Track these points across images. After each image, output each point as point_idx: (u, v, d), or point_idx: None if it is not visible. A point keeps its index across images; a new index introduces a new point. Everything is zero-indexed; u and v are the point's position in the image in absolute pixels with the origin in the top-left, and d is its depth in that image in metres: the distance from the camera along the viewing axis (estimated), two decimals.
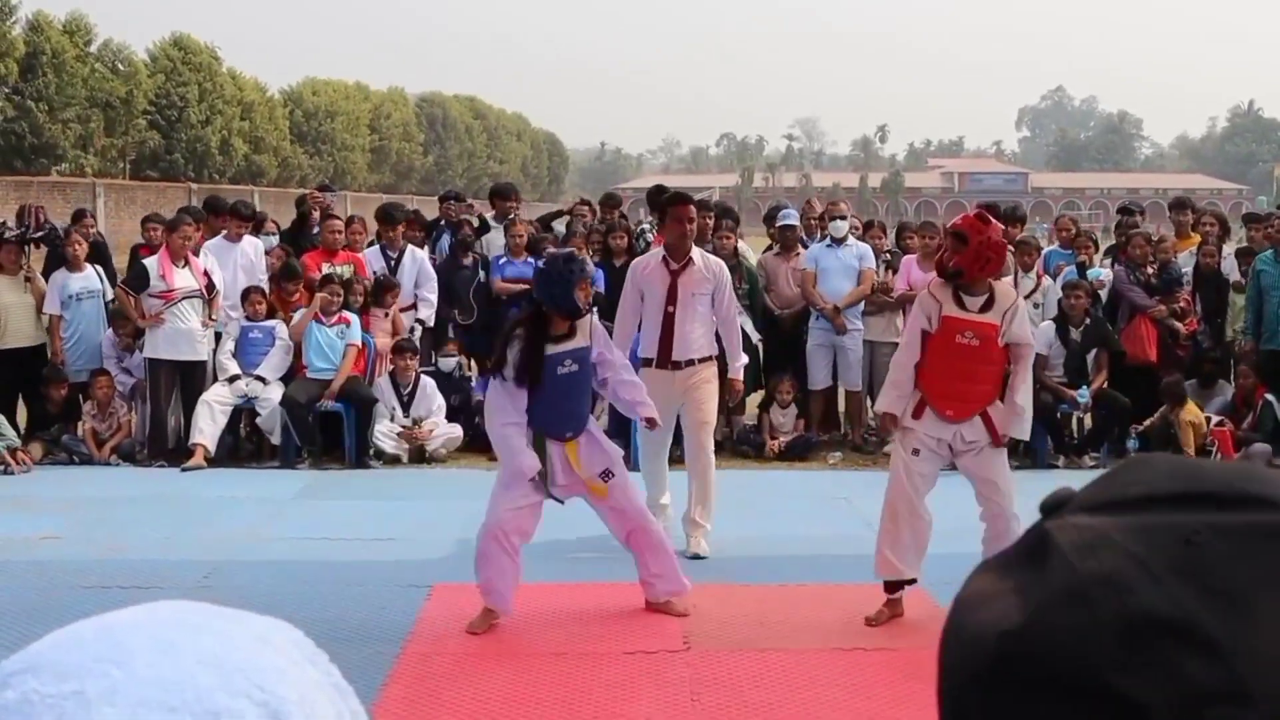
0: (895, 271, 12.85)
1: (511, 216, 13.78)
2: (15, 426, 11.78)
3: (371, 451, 11.74)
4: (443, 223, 14.25)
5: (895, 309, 12.67)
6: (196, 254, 11.90)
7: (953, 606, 0.83)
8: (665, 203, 9.13)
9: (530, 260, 13.17)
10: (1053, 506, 0.81)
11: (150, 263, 11.91)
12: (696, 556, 8.49)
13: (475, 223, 13.97)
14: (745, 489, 10.93)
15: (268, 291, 12.20)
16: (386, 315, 12.41)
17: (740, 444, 12.43)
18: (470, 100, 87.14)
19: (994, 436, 7.31)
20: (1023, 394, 7.37)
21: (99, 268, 12.67)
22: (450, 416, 12.17)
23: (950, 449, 7.38)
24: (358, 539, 9.03)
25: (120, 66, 52.16)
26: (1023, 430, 7.56)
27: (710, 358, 8.83)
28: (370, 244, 13.31)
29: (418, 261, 12.90)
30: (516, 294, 13.02)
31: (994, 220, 7.44)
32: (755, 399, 12.83)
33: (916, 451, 7.38)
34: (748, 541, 9.08)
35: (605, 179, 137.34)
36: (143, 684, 0.82)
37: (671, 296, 8.70)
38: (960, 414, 7.25)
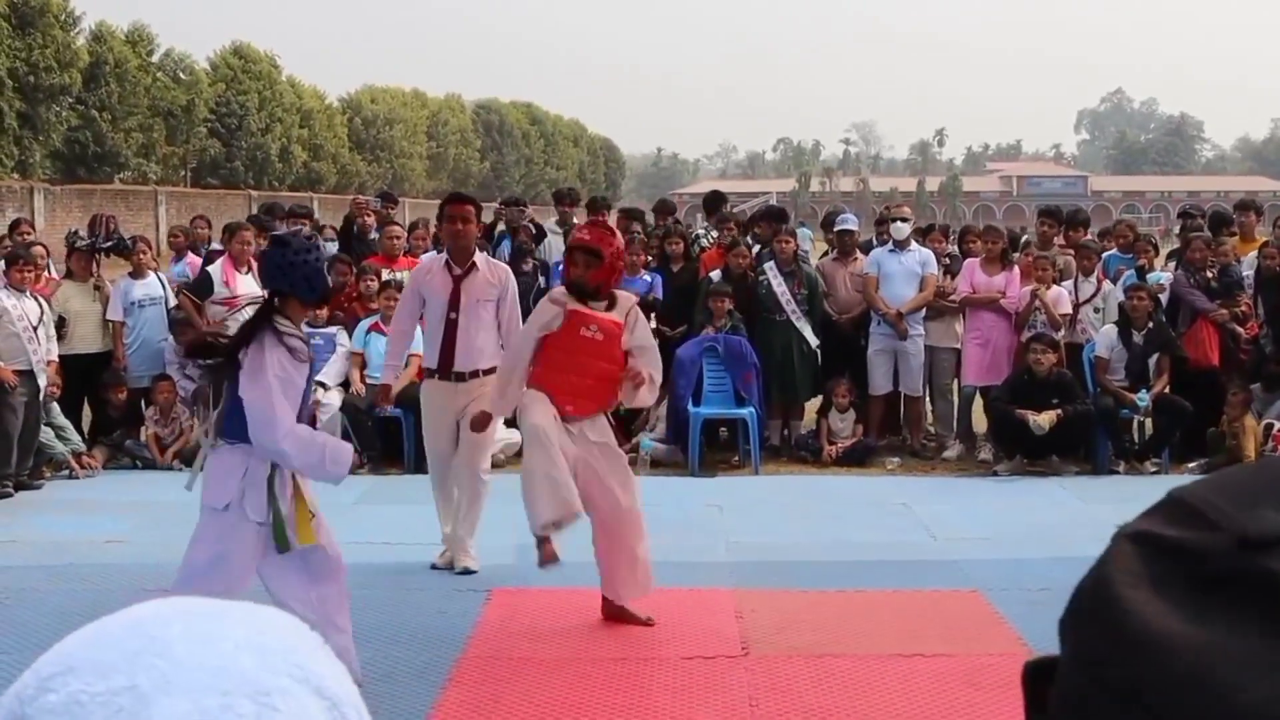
0: (955, 276, 12.81)
1: (573, 222, 13.80)
2: (80, 431, 11.93)
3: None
4: (502, 228, 14.29)
5: (956, 314, 12.62)
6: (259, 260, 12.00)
7: (1152, 648, 0.69)
8: (442, 203, 8.78)
9: None
10: (1267, 541, 0.68)
11: (214, 269, 12.03)
12: (467, 571, 8.28)
13: (533, 229, 14.01)
14: (803, 494, 10.92)
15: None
16: None
17: (798, 449, 12.41)
18: (527, 106, 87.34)
19: (618, 438, 7.41)
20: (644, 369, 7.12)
21: (162, 275, 12.81)
22: (508, 422, 12.18)
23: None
24: (417, 543, 9.07)
25: (182, 75, 52.68)
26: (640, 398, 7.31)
27: (493, 369, 8.14)
28: (428, 251, 13.37)
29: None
30: None
31: (613, 227, 7.60)
32: (814, 405, 12.82)
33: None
34: (805, 547, 9.08)
35: (661, 184, 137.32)
36: (191, 672, 0.84)
37: (454, 302, 8.24)
38: (580, 409, 7.10)
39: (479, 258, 8.41)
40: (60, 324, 11.89)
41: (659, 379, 7.29)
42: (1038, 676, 0.79)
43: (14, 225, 14.08)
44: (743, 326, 12.17)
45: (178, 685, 0.83)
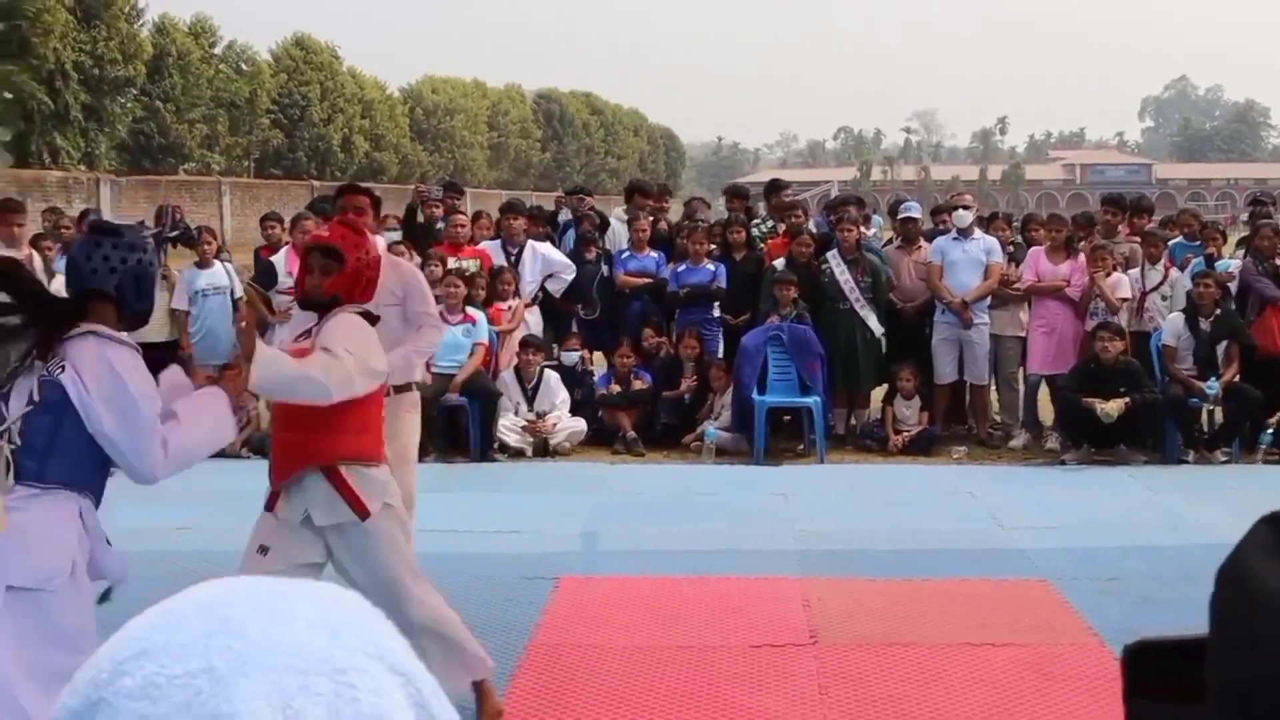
0: (1019, 264, 12.73)
1: (639, 213, 13.79)
2: None
3: (496, 445, 11.83)
4: (567, 218, 14.33)
5: (1021, 302, 12.54)
6: None
7: None
8: (335, 194, 7.66)
9: (652, 254, 13.21)
10: None
11: (278, 259, 12.12)
12: None
13: (596, 218, 14.04)
14: (869, 482, 10.89)
15: None
16: (509, 307, 12.49)
17: (863, 438, 12.37)
18: (587, 96, 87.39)
19: (355, 505, 5.26)
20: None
21: (229, 265, 12.91)
22: (573, 410, 12.24)
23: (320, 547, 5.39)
24: (484, 531, 9.11)
25: (244, 67, 53.07)
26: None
27: (408, 386, 7.25)
28: (491, 239, 13.42)
29: (538, 256, 12.97)
30: (639, 288, 13.07)
31: (365, 229, 5.90)
32: (879, 393, 12.78)
33: (264, 550, 5.33)
34: (872, 535, 9.04)
35: (722, 174, 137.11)
36: (267, 652, 0.84)
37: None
38: (281, 474, 5.34)
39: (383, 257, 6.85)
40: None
41: (320, 377, 4.97)
42: (1137, 659, 0.84)
43: (82, 216, 14.24)
44: (807, 315, 12.14)
45: (254, 666, 0.83)
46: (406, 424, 7.14)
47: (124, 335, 4.57)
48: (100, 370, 4.38)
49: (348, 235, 5.50)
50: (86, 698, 0.84)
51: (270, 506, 5.39)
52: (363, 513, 5.24)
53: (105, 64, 42.04)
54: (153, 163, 46.86)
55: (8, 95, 37.81)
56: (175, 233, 12.68)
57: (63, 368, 4.39)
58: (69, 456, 4.43)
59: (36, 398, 4.41)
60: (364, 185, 7.80)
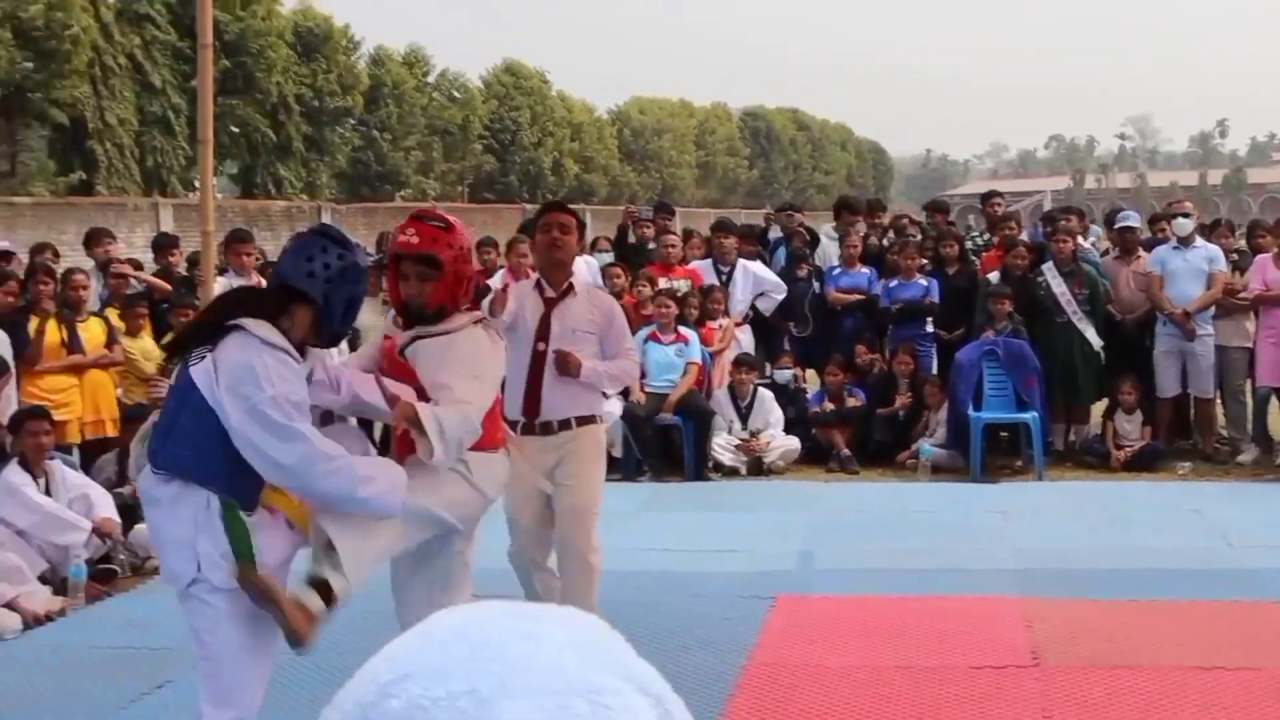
0: (1244, 272, 12.32)
1: (849, 229, 13.73)
2: (373, 440, 12.35)
3: (710, 464, 11.88)
4: (777, 235, 14.34)
5: (1247, 312, 12.14)
6: (534, 271, 12.28)
7: None
8: (537, 213, 7.04)
9: (864, 270, 13.13)
10: None
11: (494, 281, 12.35)
12: None
13: (806, 235, 14.02)
14: (1090, 500, 10.65)
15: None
16: (721, 326, 12.55)
17: (1084, 453, 12.11)
18: (793, 112, 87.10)
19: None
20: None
21: None
22: (787, 429, 12.22)
23: None
24: (699, 550, 9.15)
25: (456, 94, 54.12)
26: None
27: (593, 417, 6.69)
28: (702, 258, 13.49)
29: (749, 275, 12.99)
30: (851, 304, 13.01)
31: (454, 222, 5.30)
32: (1099, 408, 12.50)
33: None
34: (1094, 554, 8.85)
35: (931, 186, 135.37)
36: (525, 674, 0.87)
37: (544, 331, 6.53)
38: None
39: (580, 285, 6.79)
40: (354, 337, 12.36)
41: (448, 433, 4.72)
42: None
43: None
44: (1023, 329, 11.94)
45: (515, 687, 0.87)
46: (589, 445, 6.64)
47: (283, 341, 4.30)
48: (239, 370, 4.20)
49: (438, 236, 5.04)
50: (354, 719, 0.89)
51: None
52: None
53: (325, 96, 43.34)
54: (370, 190, 48.11)
55: (234, 129, 39.26)
56: None
57: (203, 358, 4.26)
58: (188, 446, 4.26)
59: (173, 381, 4.43)
60: (567, 204, 7.59)
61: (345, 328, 4.54)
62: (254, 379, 4.19)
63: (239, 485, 4.33)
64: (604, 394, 7.36)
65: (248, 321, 4.28)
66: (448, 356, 4.98)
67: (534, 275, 6.95)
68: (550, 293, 6.58)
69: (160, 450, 4.31)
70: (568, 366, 6.39)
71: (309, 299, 4.37)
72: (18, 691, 6.68)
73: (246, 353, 4.23)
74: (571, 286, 6.61)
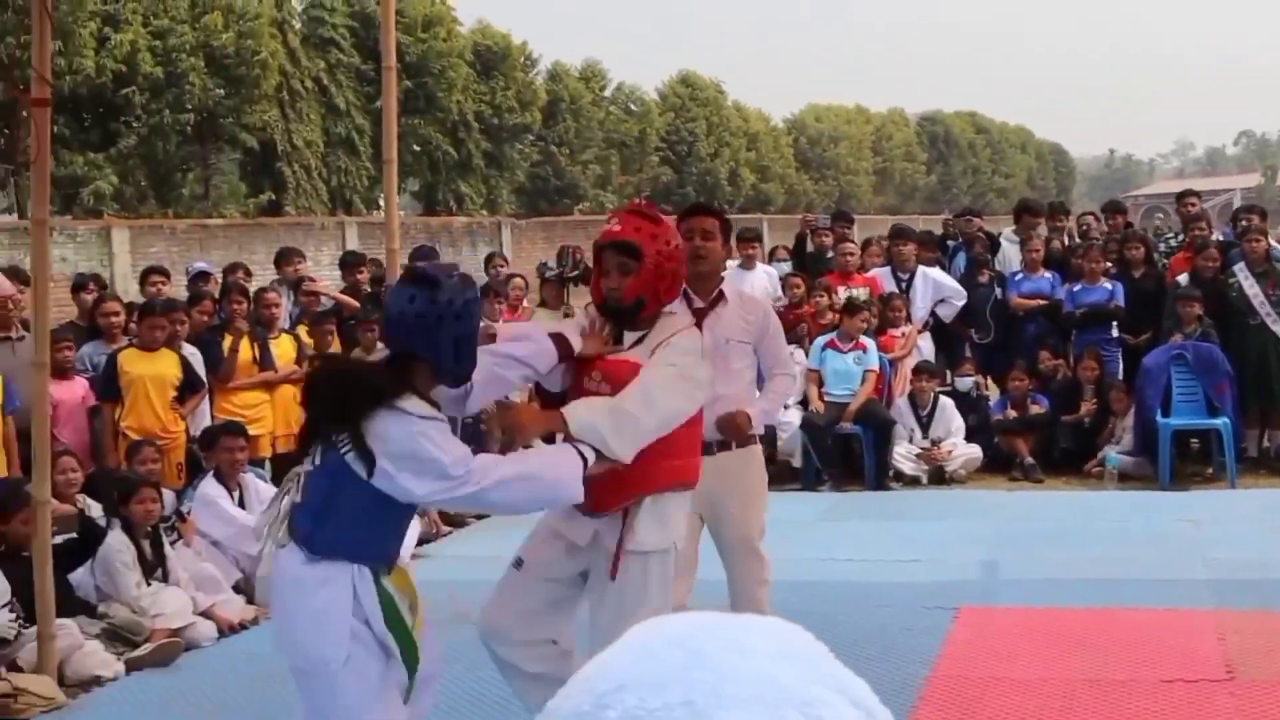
0: None
1: (1031, 233, 13.52)
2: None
3: (891, 473, 11.78)
4: (957, 240, 14.17)
5: None
6: None
7: None
8: (680, 216, 6.27)
9: (1047, 275, 12.90)
10: None
11: None
12: None
13: (986, 240, 13.83)
14: None
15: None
16: (902, 334, 12.44)
17: (1278, 459, 11.75)
18: (971, 115, 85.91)
19: (611, 559, 4.80)
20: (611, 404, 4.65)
21: None
22: (969, 437, 12.06)
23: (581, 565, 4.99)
24: (881, 561, 9.08)
25: (633, 107, 54.45)
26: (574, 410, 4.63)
27: (753, 437, 6.23)
28: (880, 266, 13.39)
29: (929, 281, 12.86)
30: (1034, 309, 12.79)
31: (666, 221, 5.05)
32: None
33: (519, 563, 5.05)
34: None
35: (1115, 187, 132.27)
36: (739, 685, 0.88)
37: None
38: (594, 504, 4.69)
39: (731, 290, 6.27)
40: None
41: (622, 444, 4.52)
42: None
43: (489, 259, 14.96)
44: (1213, 332, 11.62)
45: (729, 698, 0.87)
46: (752, 470, 6.24)
47: (430, 410, 4.12)
48: (407, 445, 4.06)
49: (642, 225, 4.80)
50: None
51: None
52: (613, 572, 4.77)
53: (504, 113, 43.93)
54: (549, 204, 48.63)
55: (416, 148, 40.02)
56: (576, 272, 13.20)
57: (347, 443, 4.06)
58: (349, 527, 4.12)
59: (318, 460, 4.19)
60: (714, 206, 7.00)
61: (464, 366, 4.23)
62: (426, 451, 4.08)
63: (387, 556, 4.35)
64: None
65: (394, 399, 4.09)
66: (668, 360, 4.74)
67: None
68: (698, 303, 5.98)
69: (316, 534, 4.14)
70: (739, 430, 5.90)
71: (418, 354, 4.15)
72: (213, 698, 6.89)
73: (405, 426, 4.07)
74: (722, 294, 6.08)
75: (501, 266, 14.33)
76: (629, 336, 4.87)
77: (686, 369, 4.76)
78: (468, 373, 4.24)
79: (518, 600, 4.97)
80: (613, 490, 4.67)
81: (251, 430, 9.91)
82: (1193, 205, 14.03)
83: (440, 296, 4.05)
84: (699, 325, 5.48)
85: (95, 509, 8.66)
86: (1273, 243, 12.75)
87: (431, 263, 4.59)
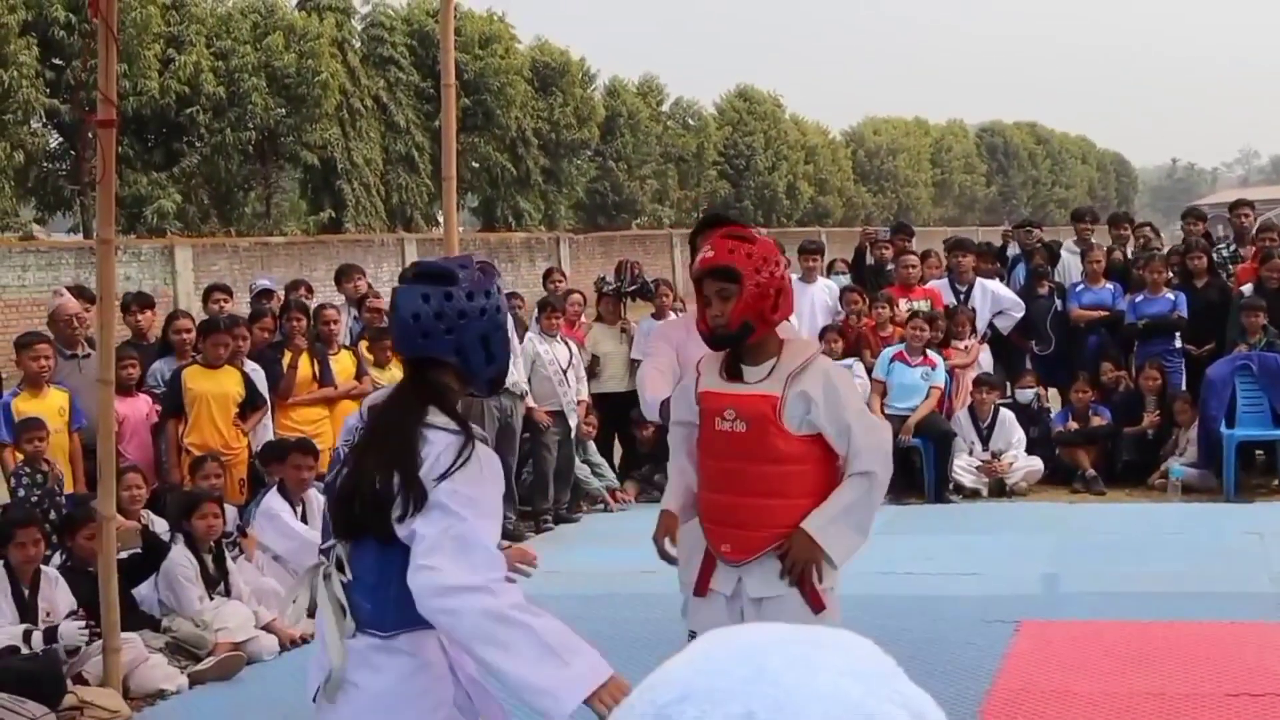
0: None
1: (1091, 241, 13.42)
2: (613, 466, 12.53)
3: (951, 486, 11.71)
4: (1016, 252, 14.09)
5: None
6: None
7: None
8: (694, 230, 5.57)
9: (1108, 286, 12.80)
10: None
11: None
12: None
13: (1046, 251, 13.75)
14: None
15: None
16: (965, 348, 12.38)
17: None
18: (1031, 126, 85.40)
19: (807, 591, 4.53)
20: (846, 502, 4.48)
21: (683, 315, 13.29)
22: (1029, 449, 11.98)
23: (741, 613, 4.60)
24: (940, 573, 9.03)
25: (690, 122, 54.51)
26: (838, 545, 4.48)
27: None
28: (939, 278, 13.34)
29: (988, 293, 12.80)
30: (1095, 320, 12.70)
31: (756, 233, 4.76)
32: None
33: (692, 635, 4.05)
34: None
35: (1178, 196, 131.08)
36: (802, 699, 0.89)
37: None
38: (739, 551, 4.57)
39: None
40: (593, 364, 12.56)
41: (875, 481, 4.50)
42: None
43: (547, 274, 15.01)
44: (1278, 343, 11.49)
45: (790, 712, 0.88)
46: None
47: (460, 424, 3.53)
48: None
49: (735, 246, 4.47)
50: None
51: (701, 589, 4.71)
52: (816, 606, 4.53)
53: (561, 129, 44.09)
54: (607, 219, 48.72)
55: (474, 164, 40.22)
56: (634, 286, 13.23)
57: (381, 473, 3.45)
58: (405, 588, 3.37)
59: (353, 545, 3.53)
60: (725, 215, 5.84)
61: (497, 368, 3.66)
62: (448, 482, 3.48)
63: None
64: None
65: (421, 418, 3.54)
66: (845, 399, 4.50)
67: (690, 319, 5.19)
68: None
69: (384, 611, 3.47)
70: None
71: (440, 361, 3.57)
72: (275, 711, 6.94)
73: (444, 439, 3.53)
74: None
75: (560, 282, 14.37)
76: (755, 371, 4.53)
77: (859, 403, 4.63)
78: (502, 374, 3.72)
79: None
80: (757, 538, 4.53)
81: None
82: (1245, 216, 13.87)
83: (458, 290, 3.53)
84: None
85: (159, 524, 8.76)
86: None
87: (442, 257, 3.85)
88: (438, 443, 3.42)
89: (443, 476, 3.37)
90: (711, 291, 4.46)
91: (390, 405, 3.59)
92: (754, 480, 4.49)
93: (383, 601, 3.44)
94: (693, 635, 4.33)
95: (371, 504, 3.40)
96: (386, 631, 3.46)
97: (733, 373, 4.57)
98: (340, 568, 3.51)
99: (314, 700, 3.60)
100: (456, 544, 3.31)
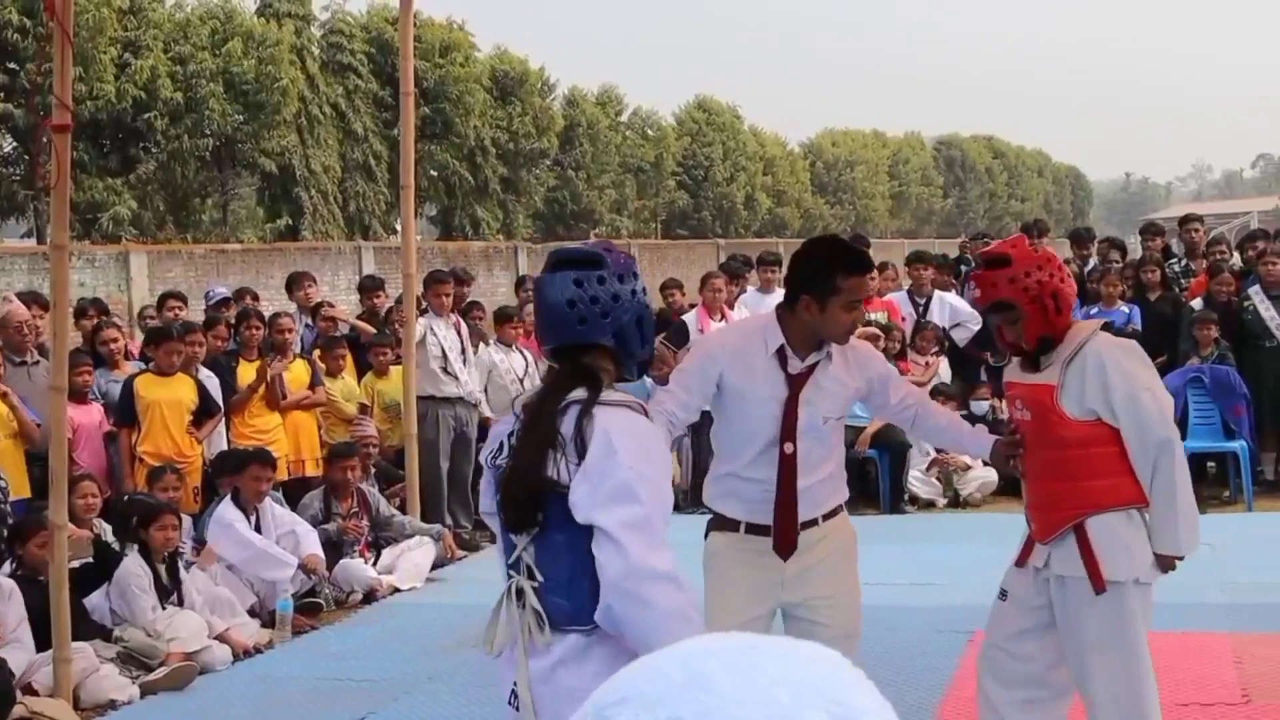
0: None
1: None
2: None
3: (906, 497, 11.76)
4: (969, 264, 14.16)
5: None
6: (731, 307, 12.35)
7: None
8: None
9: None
10: None
11: (690, 318, 12.44)
12: None
13: None
14: None
15: None
16: (926, 363, 12.43)
17: None
18: (988, 139, 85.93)
19: (1092, 575, 4.71)
20: (1167, 497, 4.79)
21: None
22: (985, 461, 12.03)
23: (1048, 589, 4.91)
24: (896, 584, 9.04)
25: (649, 132, 54.54)
26: (1186, 539, 4.89)
27: (839, 508, 5.02)
28: (896, 290, 13.40)
29: (946, 305, 12.87)
30: None
31: (1023, 241, 4.99)
32: None
33: (1004, 594, 5.08)
34: None
35: (1131, 210, 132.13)
36: (731, 705, 0.90)
37: (791, 424, 4.72)
38: (1041, 531, 4.89)
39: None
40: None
41: (1172, 454, 4.79)
42: None
43: (519, 282, 15.10)
44: (1230, 355, 11.59)
45: (718, 717, 0.89)
46: (842, 546, 5.09)
47: (624, 395, 3.48)
48: (598, 439, 3.34)
49: (996, 277, 4.71)
50: None
51: (1022, 560, 5.01)
52: (1099, 585, 4.70)
53: (520, 138, 44.01)
54: (565, 229, 48.68)
55: (432, 173, 40.15)
56: None
57: (547, 456, 3.37)
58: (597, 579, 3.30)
59: (528, 536, 3.46)
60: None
61: (649, 348, 3.63)
62: (612, 452, 3.40)
63: None
64: None
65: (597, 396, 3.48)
66: (1114, 372, 4.66)
67: (763, 331, 4.86)
68: (796, 365, 4.75)
69: (581, 606, 3.35)
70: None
71: (594, 346, 3.50)
72: None
73: (602, 427, 3.43)
74: (828, 354, 4.77)
75: (532, 290, 14.33)
76: (1047, 359, 4.76)
77: (1150, 383, 4.77)
78: (651, 355, 3.69)
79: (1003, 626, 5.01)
80: (1055, 519, 4.79)
81: None
82: (1195, 231, 13.98)
83: (609, 274, 3.47)
84: (794, 399, 4.69)
85: (112, 533, 8.70)
86: None
87: (582, 243, 3.74)
88: (606, 422, 3.34)
89: (614, 457, 3.28)
90: (999, 322, 4.77)
91: (550, 394, 3.47)
92: (1043, 465, 4.80)
93: (580, 596, 3.34)
94: (1003, 594, 4.99)
95: (547, 495, 3.34)
96: (587, 624, 3.35)
97: (1032, 364, 4.82)
98: (529, 574, 3.43)
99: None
100: (642, 527, 3.24)
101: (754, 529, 4.77)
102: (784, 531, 4.74)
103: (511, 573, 3.50)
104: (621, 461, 3.26)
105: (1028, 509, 5.00)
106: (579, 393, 3.39)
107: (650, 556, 3.21)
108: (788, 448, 4.68)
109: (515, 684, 3.44)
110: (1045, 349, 4.73)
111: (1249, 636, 7.44)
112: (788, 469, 4.69)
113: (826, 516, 4.88)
